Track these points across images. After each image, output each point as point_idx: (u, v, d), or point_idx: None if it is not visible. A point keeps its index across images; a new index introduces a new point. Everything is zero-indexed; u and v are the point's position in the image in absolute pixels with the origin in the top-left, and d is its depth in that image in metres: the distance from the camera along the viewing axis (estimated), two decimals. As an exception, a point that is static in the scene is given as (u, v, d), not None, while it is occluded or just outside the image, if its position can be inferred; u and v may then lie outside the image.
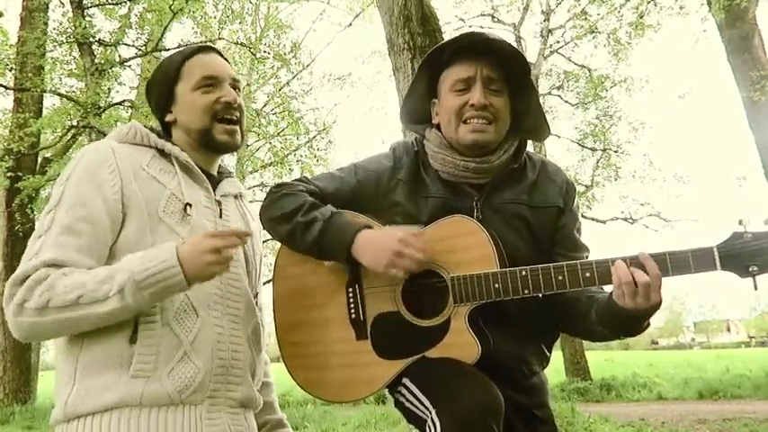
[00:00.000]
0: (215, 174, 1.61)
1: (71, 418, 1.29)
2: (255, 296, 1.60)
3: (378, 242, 1.44)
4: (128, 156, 1.43)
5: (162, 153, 1.49)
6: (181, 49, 1.63)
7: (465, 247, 1.47)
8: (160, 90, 1.55)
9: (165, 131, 1.58)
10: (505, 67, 1.56)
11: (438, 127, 1.64)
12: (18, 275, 1.28)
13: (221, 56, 1.59)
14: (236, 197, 1.65)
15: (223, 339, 1.42)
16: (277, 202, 1.58)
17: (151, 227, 1.37)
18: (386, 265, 1.43)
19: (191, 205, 1.44)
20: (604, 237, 15.27)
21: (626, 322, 1.40)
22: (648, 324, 1.42)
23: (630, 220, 15.36)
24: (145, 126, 1.54)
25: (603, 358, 20.86)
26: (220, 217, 1.53)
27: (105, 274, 1.26)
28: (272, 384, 1.73)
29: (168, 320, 1.34)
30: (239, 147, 1.58)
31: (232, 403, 1.45)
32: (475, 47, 1.55)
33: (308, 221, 1.51)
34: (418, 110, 1.69)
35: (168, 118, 1.55)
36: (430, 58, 1.61)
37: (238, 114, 1.55)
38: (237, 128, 1.55)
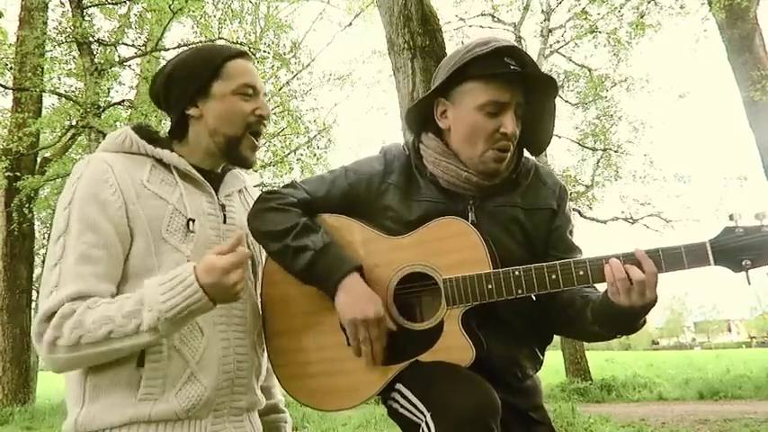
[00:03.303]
0: (218, 170, 1.58)
1: None
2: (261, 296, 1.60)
3: (356, 299, 1.42)
4: (126, 170, 1.40)
5: (160, 162, 1.47)
6: (216, 45, 1.59)
7: (457, 248, 1.44)
8: (192, 81, 1.48)
9: (180, 125, 1.53)
10: (533, 90, 1.53)
11: (437, 131, 1.59)
12: (44, 313, 1.28)
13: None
14: (240, 192, 1.63)
15: (228, 353, 1.43)
16: (267, 215, 1.54)
17: (155, 247, 1.37)
18: (347, 322, 1.43)
19: (193, 221, 1.43)
20: (604, 237, 15.28)
21: (622, 320, 1.39)
22: (645, 322, 1.41)
23: (631, 221, 15.34)
24: (139, 126, 1.51)
25: (604, 358, 20.85)
26: (224, 222, 1.51)
27: (131, 307, 1.27)
28: (271, 370, 1.71)
29: (174, 342, 1.35)
30: (253, 166, 1.58)
31: (236, 412, 1.46)
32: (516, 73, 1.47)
33: (299, 248, 1.47)
34: (423, 107, 1.62)
35: (192, 112, 1.49)
36: (458, 67, 1.51)
37: (264, 130, 1.55)
38: (259, 147, 1.55)
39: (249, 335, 1.50)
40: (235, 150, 1.50)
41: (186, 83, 1.49)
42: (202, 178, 1.50)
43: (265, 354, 1.59)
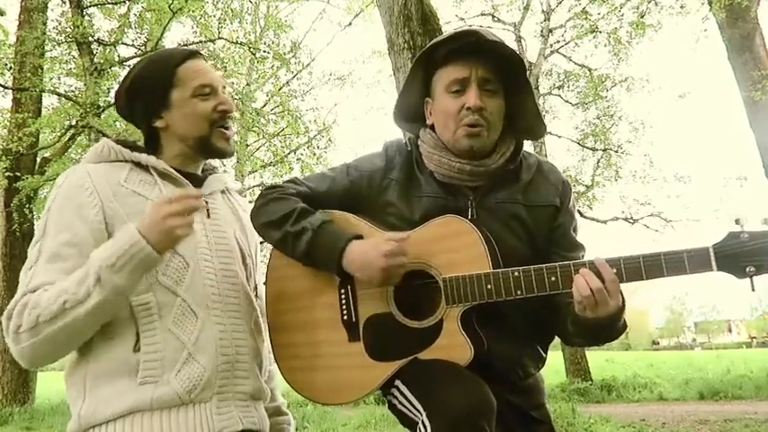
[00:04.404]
0: (199, 173, 1.62)
1: (86, 428, 1.34)
2: (255, 288, 1.62)
3: (365, 257, 1.44)
4: (104, 175, 1.45)
5: (139, 165, 1.50)
6: (165, 52, 1.63)
7: (457, 247, 1.45)
8: (150, 95, 1.53)
9: (152, 137, 1.57)
10: (501, 67, 1.53)
11: (432, 127, 1.61)
12: (9, 308, 1.30)
13: (206, 61, 1.61)
14: (223, 192, 1.66)
15: (226, 336, 1.45)
16: (267, 206, 1.57)
17: None
18: (378, 282, 1.45)
19: None
20: (604, 237, 15.29)
21: (596, 331, 1.40)
22: (624, 327, 1.41)
23: (631, 221, 15.32)
24: (117, 139, 1.55)
25: (604, 359, 20.84)
26: (208, 217, 1.54)
27: (81, 274, 1.29)
28: (273, 372, 1.73)
29: (168, 325, 1.37)
30: (233, 155, 1.61)
31: (241, 396, 1.47)
32: (470, 47, 1.52)
33: (298, 231, 1.50)
34: (411, 108, 1.67)
35: (158, 124, 1.54)
36: (424, 56, 1.58)
37: (231, 122, 1.58)
38: (232, 135, 1.58)
39: (246, 321, 1.52)
40: (208, 146, 1.55)
41: (145, 98, 1.54)
42: (182, 177, 1.53)
43: (265, 343, 1.60)
